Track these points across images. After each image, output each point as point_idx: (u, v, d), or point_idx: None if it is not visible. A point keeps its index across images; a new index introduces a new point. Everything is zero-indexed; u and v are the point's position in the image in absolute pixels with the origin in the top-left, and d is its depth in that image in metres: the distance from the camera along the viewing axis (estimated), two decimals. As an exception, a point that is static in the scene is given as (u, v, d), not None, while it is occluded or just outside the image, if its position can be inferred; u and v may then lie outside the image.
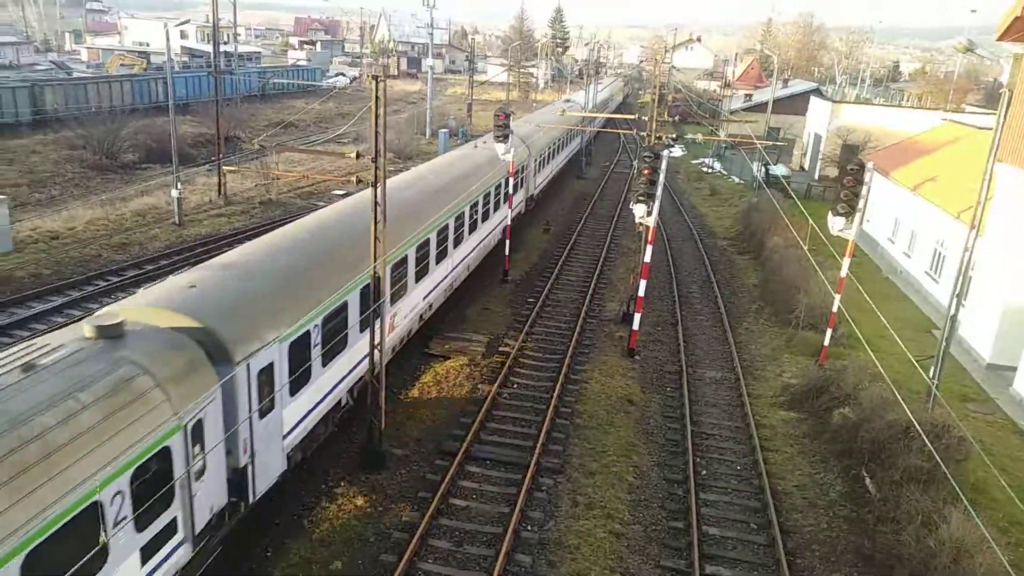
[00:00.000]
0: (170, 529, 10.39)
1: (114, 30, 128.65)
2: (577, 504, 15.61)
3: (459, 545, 14.04)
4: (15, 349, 9.97)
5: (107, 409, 9.24)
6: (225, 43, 69.90)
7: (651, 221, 22.17)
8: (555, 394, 19.67)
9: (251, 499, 12.57)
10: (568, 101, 53.65)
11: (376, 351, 15.83)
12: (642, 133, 26.54)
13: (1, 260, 26.62)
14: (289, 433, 13.72)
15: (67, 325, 12.77)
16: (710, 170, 60.93)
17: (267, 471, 12.99)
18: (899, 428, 16.60)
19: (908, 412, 14.90)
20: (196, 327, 11.41)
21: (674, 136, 28.14)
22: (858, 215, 20.89)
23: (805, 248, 25.70)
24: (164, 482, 9.88)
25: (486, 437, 17.84)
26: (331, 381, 15.33)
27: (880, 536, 14.58)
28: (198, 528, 11.05)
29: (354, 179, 15.72)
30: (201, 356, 11.01)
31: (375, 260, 15.41)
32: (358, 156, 15.46)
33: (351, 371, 16.28)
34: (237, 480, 12.11)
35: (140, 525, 9.73)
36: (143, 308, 11.69)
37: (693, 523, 15.07)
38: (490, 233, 28.29)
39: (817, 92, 70.26)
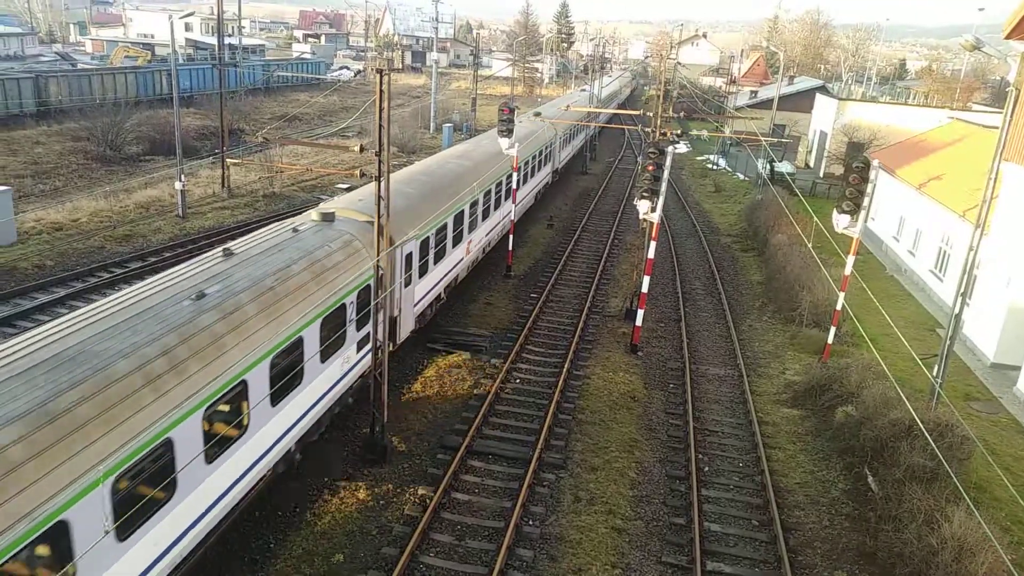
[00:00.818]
0: (367, 338, 16.64)
1: (119, 22, 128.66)
2: (579, 499, 15.61)
3: (461, 539, 14.05)
4: (273, 226, 16.49)
5: (344, 253, 15.78)
6: (230, 35, 69.95)
7: (655, 217, 22.11)
8: (558, 389, 19.65)
9: (398, 341, 19.03)
10: (584, 90, 60.05)
11: (379, 349, 15.84)
12: (647, 129, 26.44)
13: (5, 251, 26.64)
14: (417, 303, 20.12)
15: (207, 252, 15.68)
16: (715, 167, 60.81)
17: (406, 325, 19.40)
18: (902, 426, 16.56)
19: (911, 410, 14.86)
20: (370, 221, 16.73)
21: (679, 132, 28.04)
22: (863, 213, 20.81)
23: (809, 245, 25.65)
24: (367, 303, 16.23)
25: (488, 432, 17.85)
26: (437, 277, 21.88)
27: (882, 534, 14.55)
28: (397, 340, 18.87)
29: (358, 172, 15.68)
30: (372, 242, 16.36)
31: (379, 253, 15.40)
32: (362, 149, 15.43)
33: (448, 272, 23.08)
34: (390, 327, 17.97)
35: (358, 326, 16.15)
36: (340, 208, 17.70)
37: (695, 519, 15.06)
38: (532, 191, 37.25)
39: (823, 89, 70.03)
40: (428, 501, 14.80)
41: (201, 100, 61.54)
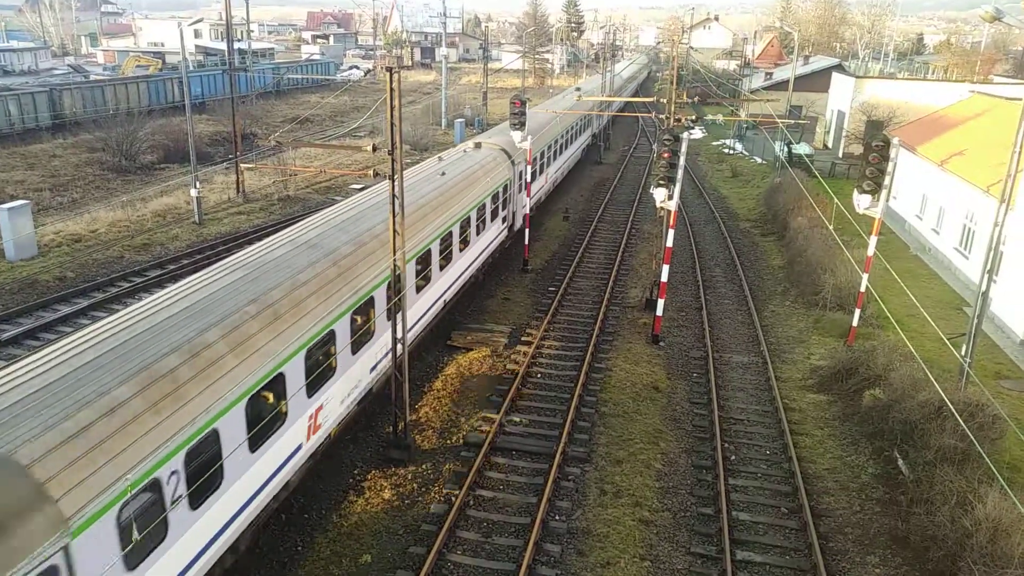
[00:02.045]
0: (505, 219, 27.20)
1: (129, 31, 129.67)
2: (605, 492, 15.49)
3: (487, 536, 14.00)
4: (453, 150, 27.25)
5: (497, 163, 26.26)
6: (239, 40, 70.21)
7: (672, 205, 21.87)
8: (579, 383, 19.54)
9: (514, 228, 28.78)
10: (609, 72, 63.50)
11: (399, 344, 15.80)
12: (661, 116, 26.16)
13: (26, 264, 26.94)
14: (524, 206, 29.38)
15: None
16: (731, 151, 60.19)
17: (518, 219, 29.29)
18: (931, 408, 16.29)
19: (940, 391, 14.60)
20: (503, 149, 27.22)
21: (694, 118, 27.76)
22: (884, 192, 20.45)
23: (830, 227, 25.29)
24: (506, 198, 26.96)
25: (511, 428, 17.77)
26: (537, 188, 32.00)
27: (914, 518, 14.31)
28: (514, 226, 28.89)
29: (371, 172, 15.62)
30: (507, 158, 27.09)
31: (395, 254, 15.33)
32: (374, 149, 15.35)
33: (543, 186, 33.84)
34: (510, 219, 28.12)
35: (496, 213, 26.06)
36: (482, 141, 27.76)
37: (723, 509, 14.90)
38: (571, 156, 44.04)
39: (839, 68, 69.04)
40: (453, 499, 14.76)
41: (213, 106, 61.88)
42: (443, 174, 22.25)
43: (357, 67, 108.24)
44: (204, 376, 10.54)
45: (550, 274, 28.93)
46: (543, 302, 25.79)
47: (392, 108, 14.14)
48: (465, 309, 24.24)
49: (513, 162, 27.59)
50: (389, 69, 14.00)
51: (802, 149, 48.75)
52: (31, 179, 40.39)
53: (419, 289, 18.57)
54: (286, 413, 12.66)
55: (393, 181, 14.80)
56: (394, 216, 15.03)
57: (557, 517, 14.65)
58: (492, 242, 26.18)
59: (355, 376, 15.45)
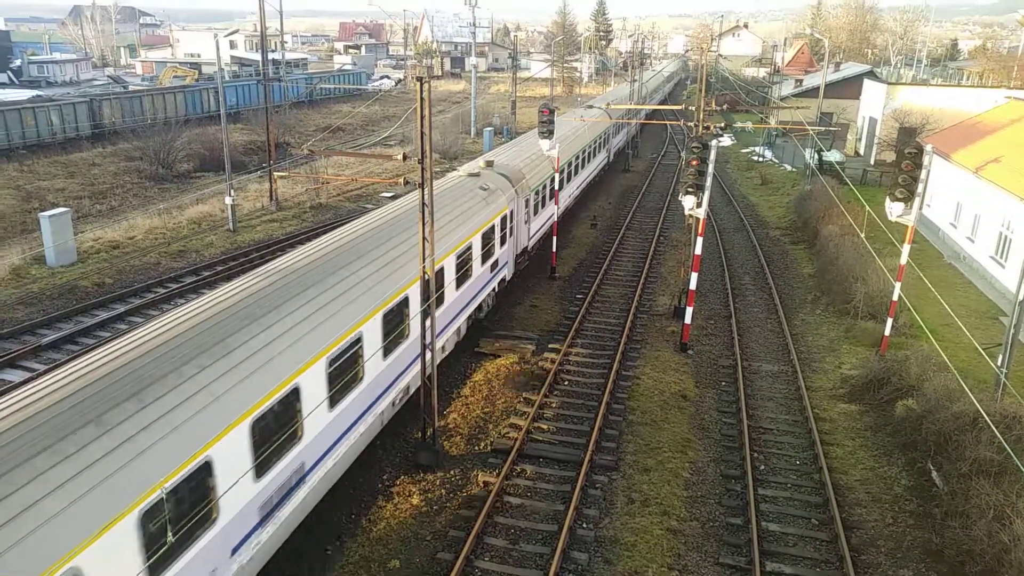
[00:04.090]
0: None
1: (166, 43, 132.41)
2: (633, 501, 15.47)
3: (515, 543, 14.05)
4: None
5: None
6: (273, 51, 71.36)
7: (701, 213, 21.81)
8: (607, 390, 19.53)
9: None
10: (651, 70, 69.44)
11: (428, 351, 15.94)
12: (690, 123, 26.14)
13: (66, 270, 27.63)
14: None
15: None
16: (761, 159, 59.74)
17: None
18: (966, 419, 16.03)
19: (975, 402, 14.39)
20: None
21: (723, 125, 27.68)
22: (917, 200, 20.20)
23: (862, 235, 25.03)
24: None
25: (539, 435, 17.82)
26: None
27: (949, 531, 14.08)
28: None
29: (401, 180, 15.82)
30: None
31: (423, 261, 15.50)
32: (405, 158, 15.57)
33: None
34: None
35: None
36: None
37: (752, 519, 14.79)
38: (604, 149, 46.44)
39: (871, 74, 68.21)
40: (481, 505, 14.84)
41: (247, 115, 62.95)
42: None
43: (388, 77, 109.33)
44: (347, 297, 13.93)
45: (578, 281, 28.95)
46: (571, 309, 25.82)
47: (422, 117, 14.34)
48: (493, 316, 24.35)
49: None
50: (419, 79, 14.22)
51: (833, 156, 48.22)
52: (71, 187, 41.44)
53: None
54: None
55: (423, 189, 14.99)
56: (423, 224, 15.20)
57: (584, 525, 14.66)
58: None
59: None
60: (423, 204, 15.07)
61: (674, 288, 27.37)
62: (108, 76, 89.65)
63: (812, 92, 65.60)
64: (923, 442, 16.80)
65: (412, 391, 17.16)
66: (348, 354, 13.65)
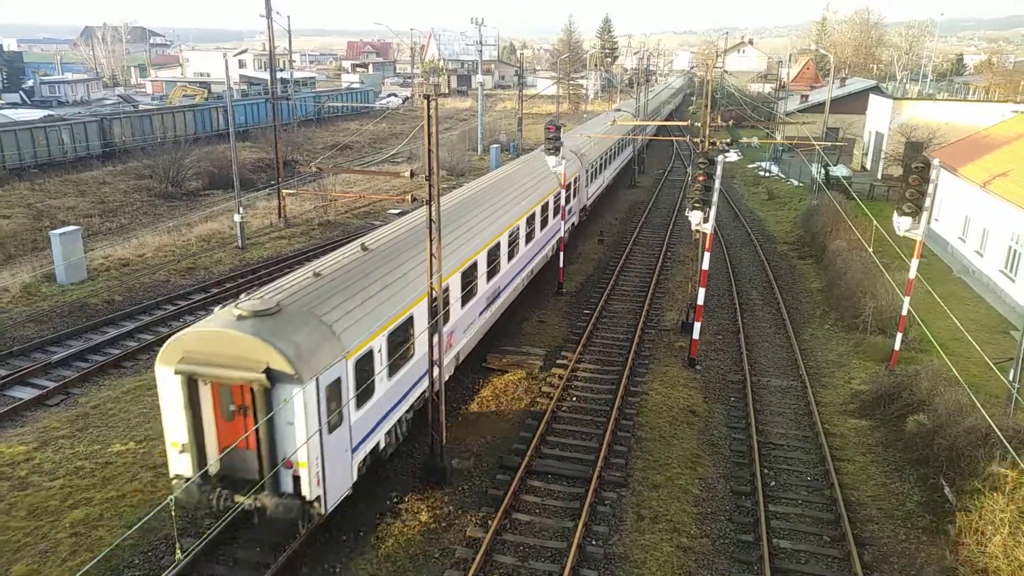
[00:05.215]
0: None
1: (176, 62, 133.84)
2: (642, 518, 15.37)
3: (524, 560, 13.96)
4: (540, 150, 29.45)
5: (572, 160, 32.93)
6: (281, 70, 71.91)
7: (708, 228, 21.82)
8: (615, 406, 19.46)
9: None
10: (666, 82, 71.90)
11: (436, 367, 15.94)
12: (695, 139, 26.19)
13: (76, 288, 27.79)
14: (589, 198, 37.77)
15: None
16: (767, 174, 59.76)
17: (582, 203, 35.92)
18: (978, 434, 15.90)
19: (987, 417, 14.29)
20: (575, 152, 33.20)
21: (728, 141, 27.72)
22: (925, 214, 20.17)
23: (870, 250, 24.95)
24: (575, 188, 33.64)
25: (547, 451, 17.75)
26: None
27: (963, 548, 13.93)
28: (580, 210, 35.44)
29: (409, 197, 15.89)
30: (577, 159, 34.08)
31: (431, 277, 15.54)
32: (412, 175, 15.64)
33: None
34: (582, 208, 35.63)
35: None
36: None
37: (763, 536, 14.67)
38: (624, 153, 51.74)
39: (876, 89, 68.32)
40: (489, 522, 14.77)
41: (256, 134, 63.41)
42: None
43: (395, 95, 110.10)
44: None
45: (585, 297, 28.95)
46: (578, 325, 25.80)
47: (429, 135, 14.42)
48: (500, 333, 24.35)
49: (581, 162, 31.46)
50: (426, 97, 14.31)
51: (840, 171, 48.22)
52: (82, 205, 41.76)
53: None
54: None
55: (430, 206, 15.04)
56: (431, 240, 15.25)
57: (594, 542, 14.56)
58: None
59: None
60: (430, 221, 15.12)
61: (681, 303, 27.33)
62: (119, 95, 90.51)
63: (818, 107, 65.71)
64: (935, 458, 16.66)
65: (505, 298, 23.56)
66: (473, 271, 20.11)
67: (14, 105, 73.94)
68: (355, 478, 14.21)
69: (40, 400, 19.44)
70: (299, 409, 12.15)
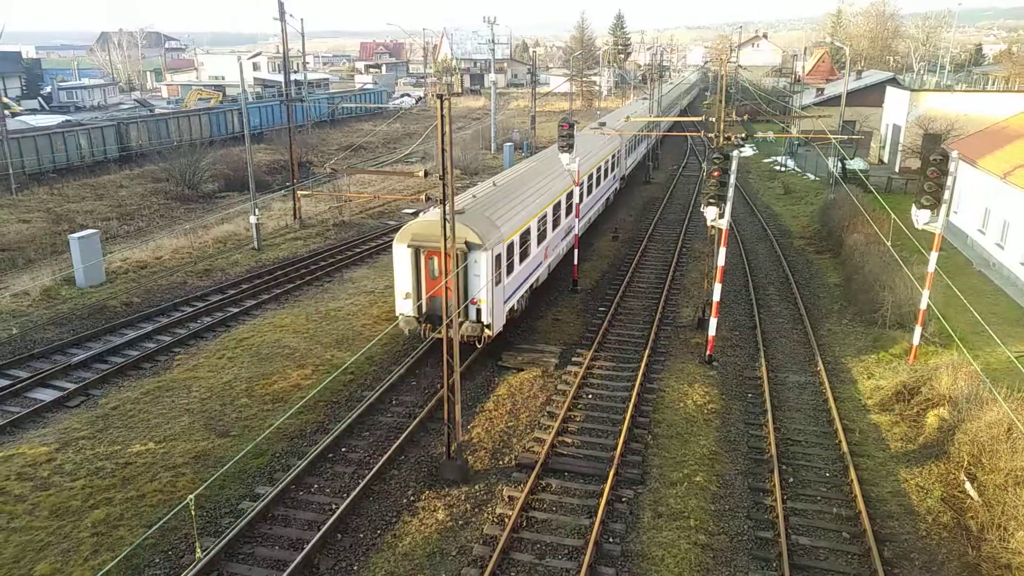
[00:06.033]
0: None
1: (191, 66, 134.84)
2: (659, 515, 15.31)
3: (541, 558, 13.96)
4: (588, 128, 40.40)
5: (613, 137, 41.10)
6: (295, 72, 72.31)
7: (723, 223, 21.69)
8: (632, 404, 19.40)
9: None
10: (681, 77, 73.60)
11: (451, 371, 15.99)
12: (710, 135, 26.04)
13: (95, 291, 28.08)
14: (626, 169, 46.74)
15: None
16: (783, 168, 59.35)
17: (621, 174, 44.57)
18: (1001, 428, 15.73)
19: (1009, 412, 14.12)
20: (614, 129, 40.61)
21: (743, 135, 27.54)
22: (944, 207, 19.94)
23: (888, 244, 24.73)
24: (616, 160, 42.42)
25: (563, 449, 17.73)
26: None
27: (986, 544, 13.77)
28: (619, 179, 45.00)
29: (423, 197, 15.92)
30: (617, 136, 42.15)
31: (446, 276, 15.56)
32: (426, 175, 15.67)
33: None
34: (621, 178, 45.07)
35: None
36: (599, 126, 40.74)
37: (782, 533, 14.57)
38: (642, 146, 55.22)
39: (893, 81, 67.65)
40: (506, 520, 14.78)
41: (271, 136, 63.80)
42: (601, 124, 33.33)
43: (409, 95, 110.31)
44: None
45: (600, 294, 28.87)
46: (593, 322, 25.74)
47: (443, 134, 14.44)
48: (516, 330, 24.35)
49: (621, 139, 37.11)
50: (440, 96, 14.33)
51: (857, 164, 47.79)
52: (100, 209, 42.21)
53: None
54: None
55: (444, 206, 15.07)
56: (445, 238, 15.27)
57: (611, 539, 14.53)
58: None
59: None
60: (444, 219, 15.14)
61: (697, 299, 27.19)
62: (135, 100, 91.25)
63: (834, 100, 65.17)
64: (956, 453, 16.49)
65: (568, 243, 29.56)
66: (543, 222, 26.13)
67: (33, 111, 74.76)
68: (504, 321, 21.64)
69: (61, 401, 19.67)
70: (483, 265, 19.87)
